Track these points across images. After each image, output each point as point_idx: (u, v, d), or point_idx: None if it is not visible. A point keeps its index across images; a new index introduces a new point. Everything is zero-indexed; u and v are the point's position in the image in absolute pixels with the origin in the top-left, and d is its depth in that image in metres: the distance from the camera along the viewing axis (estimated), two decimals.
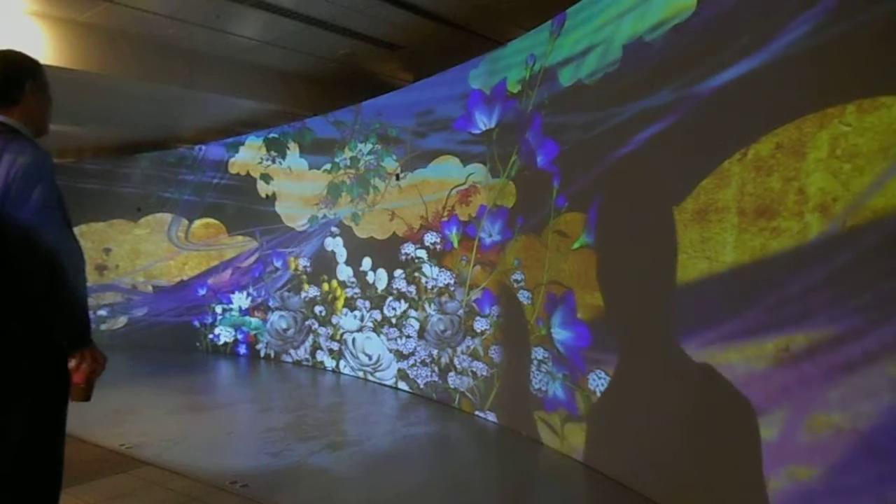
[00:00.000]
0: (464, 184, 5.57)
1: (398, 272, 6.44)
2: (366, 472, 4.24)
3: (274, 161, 8.13)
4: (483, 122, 5.30)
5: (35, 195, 2.12)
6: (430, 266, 6.01)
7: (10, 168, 2.12)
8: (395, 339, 6.50)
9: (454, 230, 5.73)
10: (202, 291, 8.93)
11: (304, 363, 7.84)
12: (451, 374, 5.75)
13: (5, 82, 2.31)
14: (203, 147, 8.97)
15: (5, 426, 2.12)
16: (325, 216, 7.48)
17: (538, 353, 4.63)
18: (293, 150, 7.90)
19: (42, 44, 6.22)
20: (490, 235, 5.28)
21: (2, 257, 2.09)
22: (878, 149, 2.29)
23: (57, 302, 2.12)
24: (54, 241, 2.12)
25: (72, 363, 2.17)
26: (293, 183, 7.90)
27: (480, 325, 5.42)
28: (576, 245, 4.15)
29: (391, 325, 6.56)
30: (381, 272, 6.69)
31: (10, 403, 2.13)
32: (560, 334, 4.33)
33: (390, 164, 6.57)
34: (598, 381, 3.92)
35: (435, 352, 5.97)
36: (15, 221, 2.09)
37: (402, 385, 6.44)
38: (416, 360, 6.24)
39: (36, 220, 2.10)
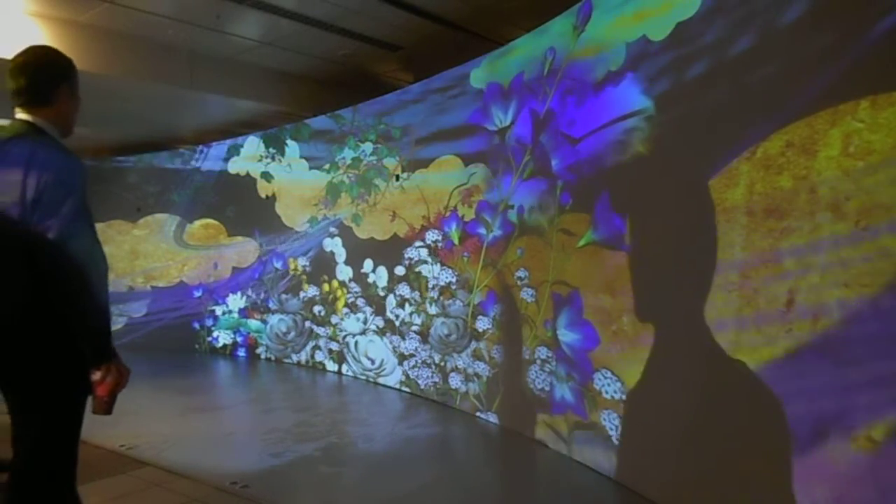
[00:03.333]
0: (466, 183, 5.54)
1: (400, 274, 6.41)
2: (367, 473, 4.21)
3: (273, 158, 8.09)
4: (499, 117, 5.16)
5: (67, 204, 2.08)
6: (433, 265, 5.98)
7: (42, 175, 2.08)
8: (399, 344, 6.46)
9: (454, 227, 5.69)
10: (200, 293, 8.89)
11: (305, 365, 7.80)
12: (454, 375, 5.71)
13: (40, 82, 2.25)
14: (203, 148, 8.93)
15: (28, 422, 2.17)
16: (325, 217, 7.45)
17: (542, 352, 4.60)
18: (292, 146, 7.85)
19: (41, 44, 6.17)
20: (491, 231, 5.23)
21: (33, 268, 2.08)
22: (894, 146, 2.25)
23: (84, 313, 2.11)
24: (84, 251, 2.10)
25: (96, 375, 2.14)
26: (293, 183, 7.86)
27: (483, 324, 5.39)
28: (581, 242, 4.11)
29: (394, 331, 6.52)
30: (382, 273, 6.65)
31: (32, 404, 2.17)
32: (566, 336, 4.29)
33: (392, 163, 6.54)
34: (604, 382, 3.90)
35: (438, 356, 5.93)
36: (45, 229, 2.06)
37: (405, 388, 6.40)
38: (417, 361, 6.21)
39: (67, 230, 2.07)
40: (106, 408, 2.18)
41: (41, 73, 2.26)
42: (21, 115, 2.24)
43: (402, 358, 6.41)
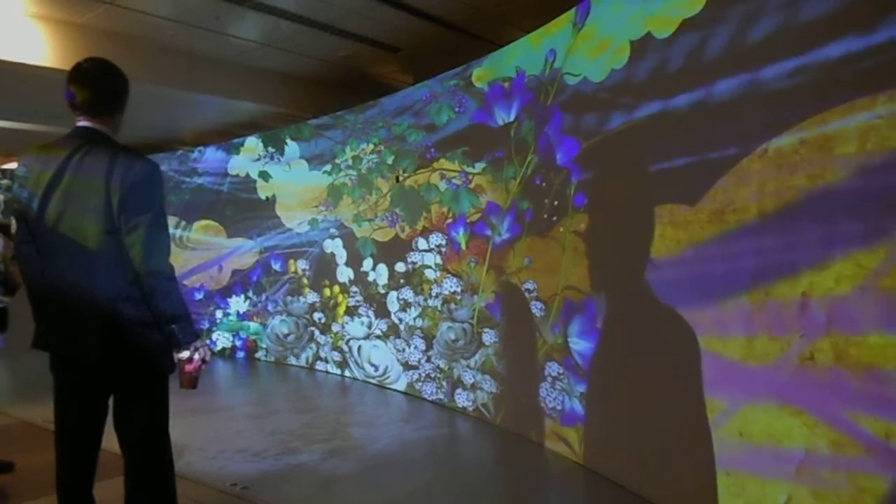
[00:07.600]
0: (470, 182, 5.50)
1: (402, 276, 6.37)
2: (368, 475, 4.17)
3: (272, 157, 8.04)
4: (502, 116, 5.11)
5: (153, 205, 2.30)
6: (436, 270, 5.92)
7: (125, 179, 2.25)
8: (403, 350, 6.39)
9: (461, 231, 5.61)
10: (199, 295, 8.84)
11: (306, 368, 7.75)
12: (461, 383, 5.64)
13: (110, 94, 2.45)
14: (203, 149, 8.88)
15: (134, 416, 2.51)
16: (325, 218, 7.41)
17: (552, 368, 4.47)
18: (292, 146, 7.81)
19: (41, 46, 6.15)
20: (500, 235, 5.14)
21: (127, 263, 2.27)
22: None
23: (171, 301, 2.31)
24: (166, 246, 2.34)
25: (184, 354, 2.35)
26: (293, 184, 7.82)
27: (489, 337, 5.31)
28: None
29: (397, 336, 6.47)
30: (383, 275, 6.61)
31: (138, 398, 2.48)
32: (578, 344, 4.18)
33: (393, 163, 6.49)
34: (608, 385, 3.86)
35: (443, 363, 5.86)
36: (133, 228, 2.24)
37: (410, 392, 6.35)
38: (422, 373, 6.13)
39: (153, 227, 2.27)
40: (193, 383, 2.41)
41: (109, 85, 2.45)
42: (83, 122, 2.40)
43: (407, 367, 6.35)
